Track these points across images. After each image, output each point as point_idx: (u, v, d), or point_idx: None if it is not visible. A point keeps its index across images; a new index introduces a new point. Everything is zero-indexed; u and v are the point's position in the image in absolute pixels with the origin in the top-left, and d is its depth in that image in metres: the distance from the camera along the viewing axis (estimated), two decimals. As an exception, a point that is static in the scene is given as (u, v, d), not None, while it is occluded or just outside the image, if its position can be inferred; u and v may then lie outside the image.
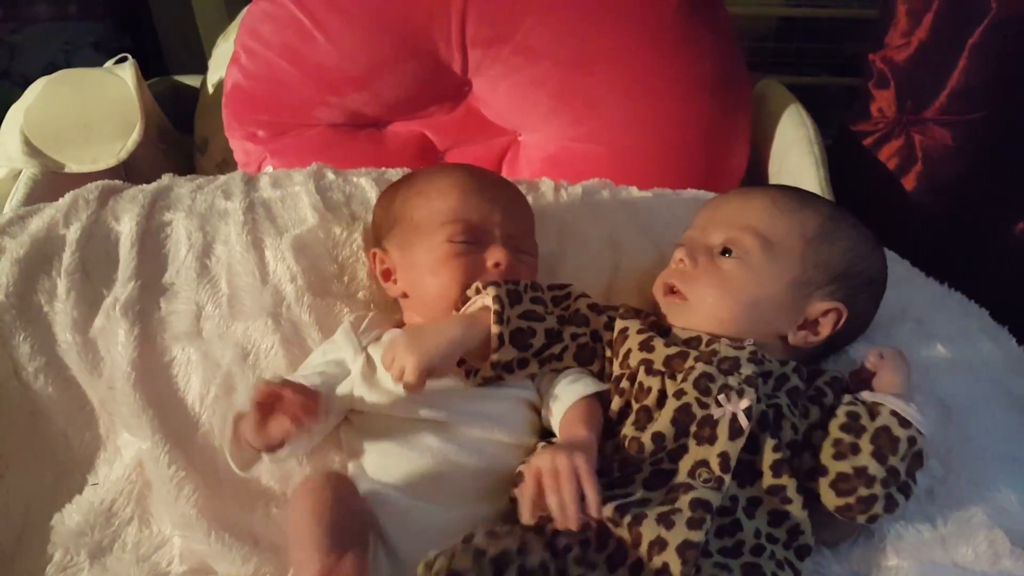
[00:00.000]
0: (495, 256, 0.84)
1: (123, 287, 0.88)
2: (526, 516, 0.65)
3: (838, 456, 0.73)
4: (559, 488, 0.63)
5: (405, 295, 0.87)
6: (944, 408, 0.82)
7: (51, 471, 0.81)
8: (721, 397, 0.72)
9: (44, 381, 0.83)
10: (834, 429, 0.74)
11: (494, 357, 0.76)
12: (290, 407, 0.68)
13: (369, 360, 0.81)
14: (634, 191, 1.06)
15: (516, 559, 0.61)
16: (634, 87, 1.27)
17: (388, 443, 0.77)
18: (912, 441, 0.73)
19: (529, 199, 0.96)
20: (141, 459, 0.79)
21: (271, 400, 0.68)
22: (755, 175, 1.38)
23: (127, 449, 0.81)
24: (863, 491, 0.72)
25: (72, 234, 0.92)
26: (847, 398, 0.77)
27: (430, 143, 1.35)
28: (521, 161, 1.33)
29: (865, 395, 0.77)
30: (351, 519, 0.68)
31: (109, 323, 0.85)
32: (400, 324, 0.88)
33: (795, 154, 1.28)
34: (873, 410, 0.75)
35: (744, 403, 0.72)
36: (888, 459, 0.72)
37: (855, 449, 0.73)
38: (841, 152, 1.37)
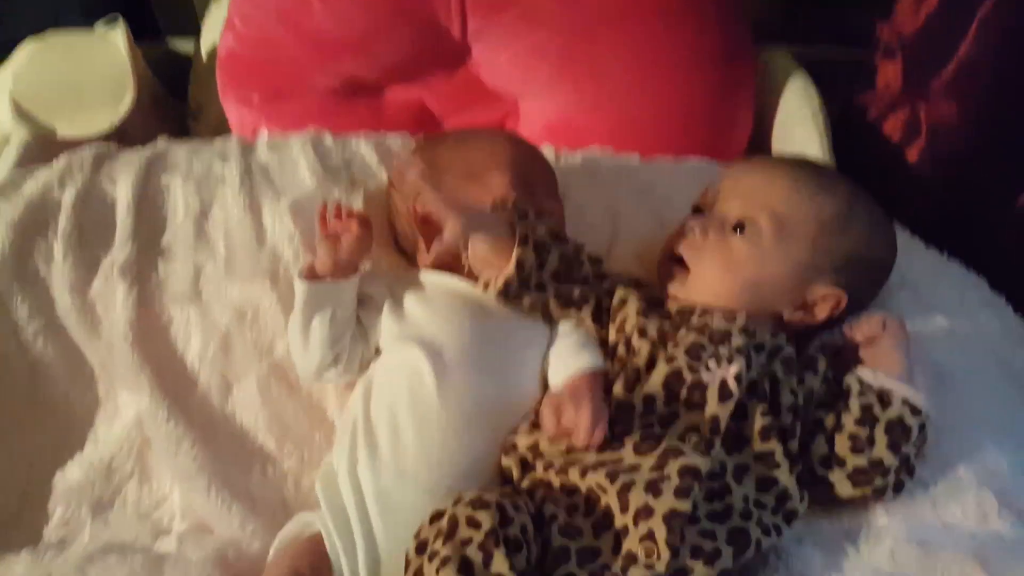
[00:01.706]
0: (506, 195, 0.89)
1: (121, 250, 0.92)
2: (550, 429, 0.73)
3: (855, 450, 0.78)
4: (579, 408, 0.72)
5: None
6: (938, 376, 0.86)
7: (52, 431, 0.86)
8: (711, 363, 0.77)
9: (43, 343, 0.88)
10: (849, 423, 0.79)
11: (517, 252, 0.80)
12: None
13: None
14: (634, 160, 1.10)
15: (500, 530, 0.66)
16: (637, 56, 1.31)
17: (394, 380, 0.82)
18: (922, 428, 0.79)
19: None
20: (140, 417, 0.84)
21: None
22: (759, 145, 1.42)
23: (127, 409, 0.86)
24: (879, 482, 0.78)
25: (67, 198, 0.96)
26: (856, 385, 0.81)
27: (428, 110, 1.38)
28: (521, 129, 1.37)
29: (868, 376, 0.82)
30: None
31: (107, 285, 0.90)
32: None
33: (800, 126, 1.32)
34: (884, 398, 0.80)
35: (733, 369, 0.77)
36: (902, 448, 0.78)
37: (871, 441, 0.78)
38: (846, 124, 1.41)
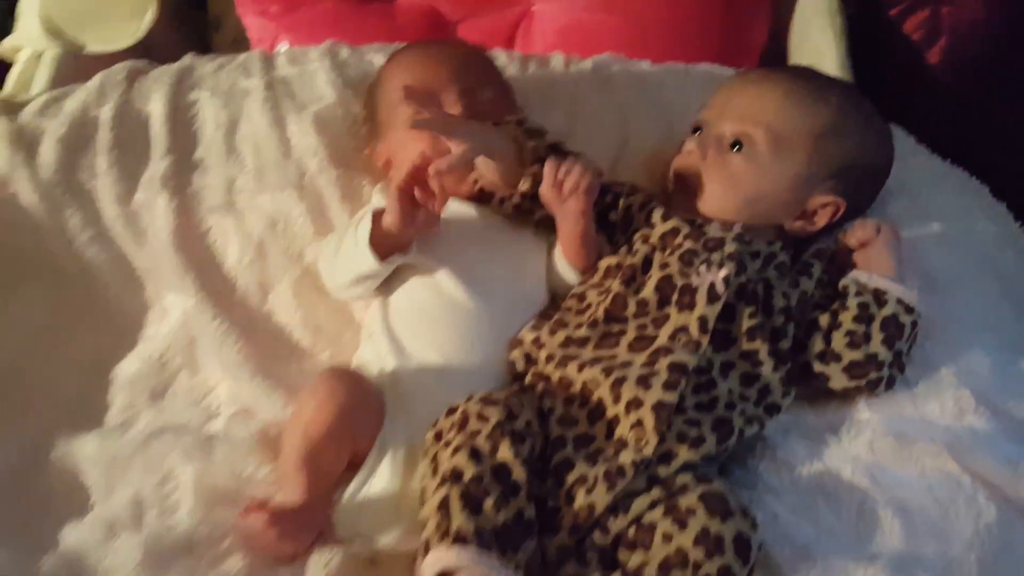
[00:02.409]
0: (452, 110, 0.96)
1: (158, 163, 1.03)
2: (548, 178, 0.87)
3: (852, 345, 0.88)
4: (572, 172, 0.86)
5: None
6: (929, 279, 0.95)
7: (108, 330, 0.98)
8: (702, 268, 0.87)
9: (94, 251, 0.99)
10: (847, 320, 0.89)
11: (533, 168, 0.90)
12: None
13: None
14: (645, 65, 1.17)
15: (507, 423, 0.77)
16: (649, -46, 1.36)
17: (414, 297, 0.93)
18: (914, 325, 0.88)
19: (539, 74, 1.09)
20: (187, 316, 0.96)
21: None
22: (776, 48, 1.47)
23: (174, 309, 0.98)
24: (873, 375, 0.87)
25: (105, 114, 1.06)
26: (853, 286, 0.91)
27: (440, 14, 1.44)
28: (534, 33, 1.43)
29: (863, 278, 0.91)
30: (346, 434, 0.83)
31: (149, 196, 1.01)
32: None
33: (816, 27, 1.37)
34: (879, 298, 0.89)
35: (723, 273, 0.86)
36: (895, 344, 0.87)
37: (867, 338, 0.88)
38: (865, 23, 1.45)
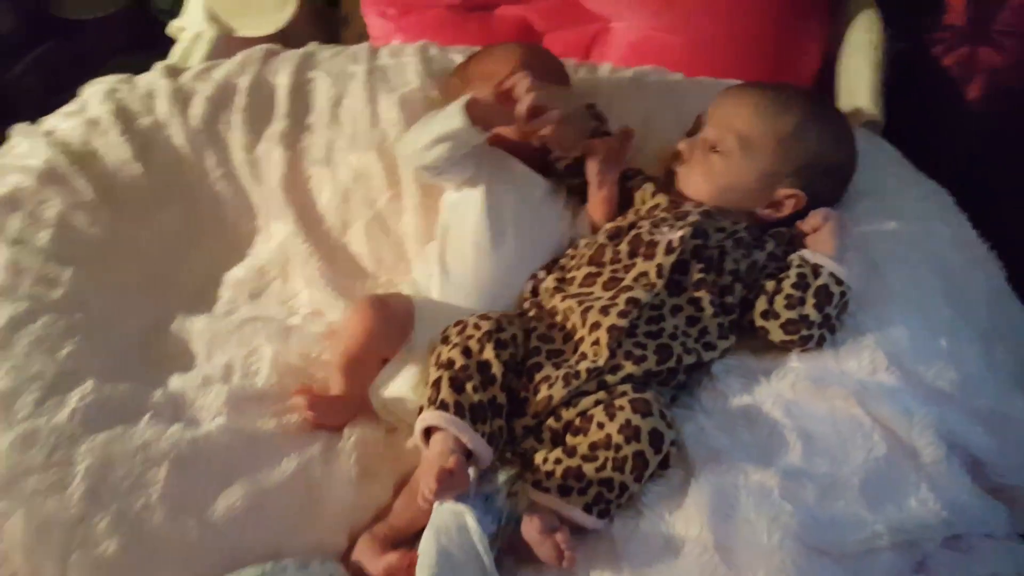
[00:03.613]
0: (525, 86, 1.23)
1: (278, 123, 1.40)
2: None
3: (788, 307, 1.14)
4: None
5: None
6: (873, 265, 1.20)
7: (226, 245, 1.37)
8: (665, 228, 1.17)
9: (224, 184, 1.37)
10: (787, 286, 1.16)
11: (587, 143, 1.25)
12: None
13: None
14: (679, 77, 1.46)
15: (495, 333, 1.08)
16: (712, -14, 1.64)
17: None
18: (843, 295, 1.14)
19: (586, 77, 1.43)
20: (285, 240, 1.32)
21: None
22: (828, 73, 1.71)
23: (277, 235, 1.35)
24: (804, 332, 1.14)
25: (243, 82, 1.44)
26: (797, 260, 1.17)
27: (531, 25, 1.77)
28: (610, 46, 1.73)
29: (808, 255, 1.17)
30: (374, 350, 1.16)
31: (268, 147, 1.38)
32: None
33: (857, 56, 1.61)
34: (816, 271, 1.15)
35: (680, 233, 1.15)
36: (825, 308, 1.13)
37: (802, 301, 1.14)
38: (911, 58, 1.68)
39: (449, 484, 0.98)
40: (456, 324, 1.11)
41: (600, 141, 1.26)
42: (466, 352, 1.07)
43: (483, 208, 1.25)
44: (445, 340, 1.10)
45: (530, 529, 0.98)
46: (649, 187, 1.27)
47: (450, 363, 1.06)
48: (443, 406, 1.03)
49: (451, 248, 1.25)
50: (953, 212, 1.30)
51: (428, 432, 1.05)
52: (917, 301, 1.17)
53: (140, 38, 2.09)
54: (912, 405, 1.06)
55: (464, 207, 1.28)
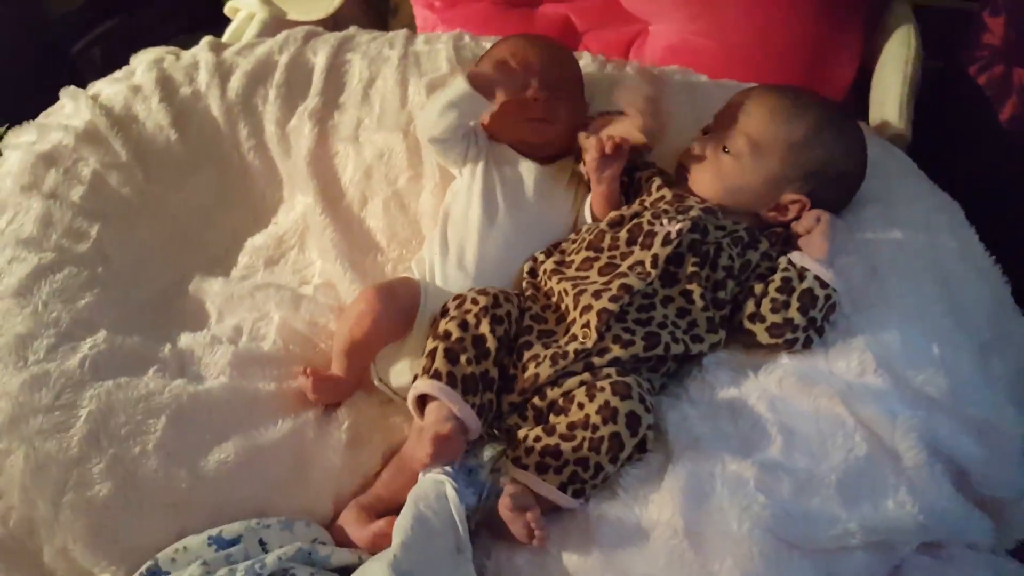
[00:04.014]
0: (531, 91, 1.30)
1: (312, 100, 1.46)
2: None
3: (773, 310, 1.16)
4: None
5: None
6: (872, 270, 1.21)
7: (251, 211, 1.43)
8: (665, 220, 1.19)
9: (254, 155, 1.44)
10: (772, 290, 1.17)
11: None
12: None
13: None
14: (703, 79, 1.48)
15: (491, 308, 1.12)
16: (748, -8, 1.66)
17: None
18: (828, 298, 1.15)
19: (613, 74, 1.47)
20: (306, 212, 1.38)
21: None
22: (863, 84, 1.72)
23: (299, 206, 1.41)
24: (789, 335, 1.15)
25: (282, 60, 1.50)
26: (784, 263, 1.19)
27: (572, 24, 1.81)
28: (647, 47, 1.76)
29: (796, 258, 1.19)
30: (376, 336, 1.19)
31: (299, 122, 1.44)
32: None
33: (889, 70, 1.61)
34: (802, 274, 1.17)
35: (678, 226, 1.18)
36: (809, 312, 1.15)
37: (786, 305, 1.16)
38: (948, 75, 1.67)
39: (444, 450, 1.02)
40: (455, 298, 1.15)
41: (595, 139, 1.27)
42: (463, 325, 1.11)
43: (476, 191, 1.30)
44: (444, 313, 1.15)
45: (504, 506, 1.02)
46: (657, 180, 1.29)
47: (447, 335, 1.10)
48: (436, 375, 1.07)
49: (450, 229, 1.30)
50: (962, 225, 1.30)
51: (421, 401, 1.09)
52: (914, 308, 1.18)
53: (203, 18, 2.18)
54: (897, 408, 1.07)
55: (461, 190, 1.32)
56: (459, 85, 1.25)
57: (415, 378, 1.10)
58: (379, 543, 1.04)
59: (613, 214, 1.25)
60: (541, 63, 1.35)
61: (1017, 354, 1.19)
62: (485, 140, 1.36)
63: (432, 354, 1.10)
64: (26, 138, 1.36)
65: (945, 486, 1.04)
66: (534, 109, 1.31)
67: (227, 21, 1.91)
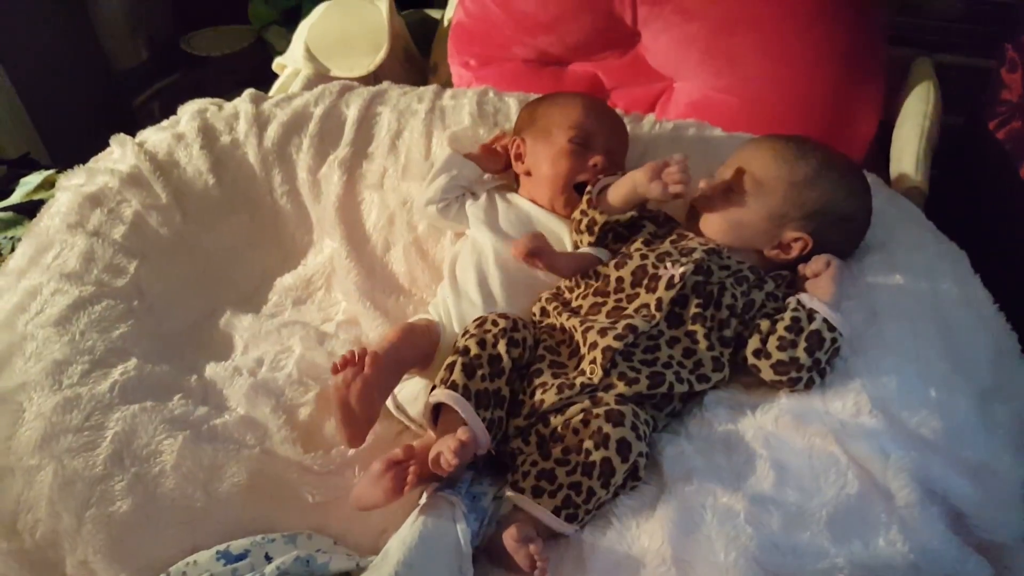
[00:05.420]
0: (596, 159, 1.40)
1: (342, 149, 1.56)
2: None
3: (780, 348, 1.21)
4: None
5: (528, 174, 1.47)
6: (873, 313, 1.24)
7: (281, 253, 1.53)
8: (668, 264, 1.25)
9: (286, 200, 1.54)
10: (780, 328, 1.22)
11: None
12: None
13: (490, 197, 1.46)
14: (716, 131, 1.55)
15: (510, 332, 1.20)
16: (770, 50, 1.72)
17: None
18: (834, 341, 1.20)
19: (632, 127, 1.51)
20: (332, 255, 1.47)
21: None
22: (884, 139, 1.76)
23: (327, 249, 1.50)
24: (793, 374, 1.19)
25: (317, 112, 1.62)
26: (793, 303, 1.23)
27: (600, 82, 1.90)
28: (671, 104, 1.84)
29: (805, 300, 1.23)
30: (408, 355, 1.26)
31: (329, 170, 1.54)
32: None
33: (909, 125, 1.67)
34: (811, 316, 1.21)
35: (682, 269, 1.23)
36: (815, 353, 1.19)
37: (794, 344, 1.20)
38: (967, 130, 1.71)
39: (464, 454, 1.07)
40: (476, 319, 1.24)
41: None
42: (481, 343, 1.18)
43: (484, 227, 1.41)
44: (464, 332, 1.23)
45: (510, 536, 1.06)
46: (647, 229, 1.36)
47: (466, 350, 1.18)
48: (453, 386, 1.15)
49: (461, 269, 1.39)
50: (966, 273, 1.33)
51: (436, 412, 1.17)
52: (912, 352, 1.20)
53: (258, 74, 2.33)
54: (890, 447, 1.10)
55: (473, 237, 1.42)
56: (443, 151, 1.38)
57: (432, 388, 1.17)
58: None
59: (613, 261, 1.32)
60: (609, 127, 1.46)
61: (1022, 402, 1.21)
62: (484, 193, 1.46)
63: (451, 367, 1.17)
64: (76, 180, 1.48)
65: (938, 527, 1.06)
66: (590, 173, 1.41)
67: (276, 77, 2.05)
